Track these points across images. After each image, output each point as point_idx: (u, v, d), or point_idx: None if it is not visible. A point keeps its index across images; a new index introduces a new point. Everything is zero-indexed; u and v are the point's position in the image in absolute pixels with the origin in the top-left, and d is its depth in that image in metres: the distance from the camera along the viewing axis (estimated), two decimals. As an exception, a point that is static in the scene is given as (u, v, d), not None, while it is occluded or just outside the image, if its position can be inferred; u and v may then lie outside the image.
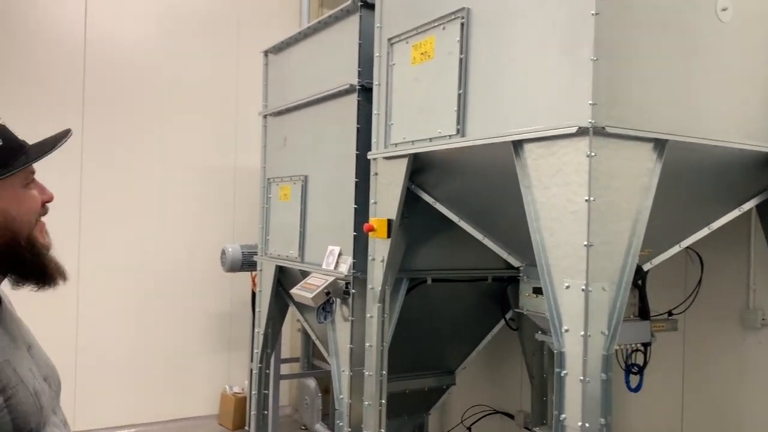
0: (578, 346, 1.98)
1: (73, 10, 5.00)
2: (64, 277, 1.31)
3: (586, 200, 1.96)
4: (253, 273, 4.60)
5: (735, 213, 2.54)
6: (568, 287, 2.02)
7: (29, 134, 1.19)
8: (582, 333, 1.97)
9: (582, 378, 1.95)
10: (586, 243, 1.96)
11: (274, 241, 4.10)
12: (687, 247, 2.51)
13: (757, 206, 2.60)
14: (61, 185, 4.92)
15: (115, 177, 5.12)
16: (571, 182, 2.02)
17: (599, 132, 1.96)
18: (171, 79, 5.32)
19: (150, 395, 5.20)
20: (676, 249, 2.47)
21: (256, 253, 4.38)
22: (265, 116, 4.28)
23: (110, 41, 5.12)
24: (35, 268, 1.26)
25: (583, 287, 1.97)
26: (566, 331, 2.02)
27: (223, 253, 4.75)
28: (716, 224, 2.51)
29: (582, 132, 1.97)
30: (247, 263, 4.65)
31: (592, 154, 1.96)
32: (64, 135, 1.31)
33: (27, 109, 4.84)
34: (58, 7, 4.97)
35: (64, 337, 4.92)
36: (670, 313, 2.96)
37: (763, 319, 2.94)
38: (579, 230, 1.99)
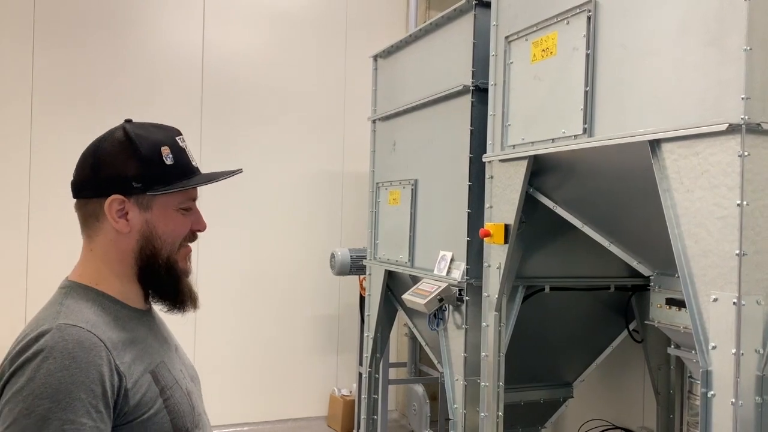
0: (728, 365, 1.79)
1: (192, 27, 5.23)
2: (195, 305, 1.33)
3: (738, 204, 1.78)
4: (362, 277, 4.62)
5: None
6: (715, 300, 1.84)
7: None
8: (733, 351, 1.78)
9: (733, 401, 1.77)
10: (738, 252, 1.78)
11: (383, 245, 4.08)
12: None
13: None
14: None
15: (229, 182, 5.29)
16: (720, 185, 1.83)
17: (753, 129, 1.77)
18: (280, 85, 5.45)
19: (261, 395, 5.34)
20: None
21: (364, 257, 4.39)
22: (373, 121, 4.28)
23: (224, 51, 5.32)
24: (169, 289, 1.28)
25: (735, 300, 1.78)
26: (714, 348, 1.84)
27: (333, 256, 4.80)
28: None
29: (733, 129, 1.79)
30: (355, 267, 4.67)
31: (745, 153, 1.77)
32: (233, 171, 1.36)
33: (149, 117, 5.12)
34: (176, 20, 5.23)
35: (182, 338, 5.13)
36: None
37: None
38: (729, 238, 1.80)
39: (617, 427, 4.00)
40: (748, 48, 1.76)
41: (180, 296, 1.30)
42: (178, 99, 5.20)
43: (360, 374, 4.53)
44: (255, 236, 5.36)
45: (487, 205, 2.96)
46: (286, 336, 5.44)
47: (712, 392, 1.83)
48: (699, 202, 1.90)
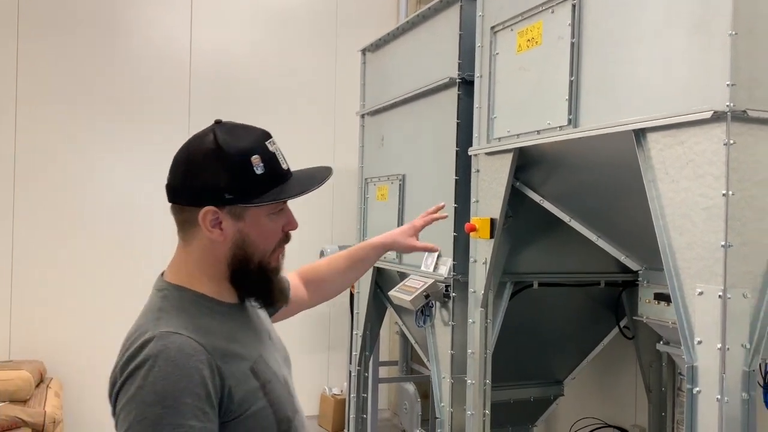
0: (714, 361, 1.74)
1: (179, 19, 5.18)
2: (286, 301, 1.38)
3: (724, 194, 1.72)
4: (352, 274, 4.55)
5: None
6: (701, 293, 1.79)
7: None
8: (719, 346, 1.72)
9: (719, 397, 1.71)
10: (723, 243, 1.72)
11: (372, 242, 4.02)
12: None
13: None
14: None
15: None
16: (705, 174, 1.78)
17: (739, 116, 1.72)
18: (270, 81, 5.40)
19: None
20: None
21: (354, 254, 4.32)
22: (362, 115, 4.23)
23: (213, 46, 5.27)
24: (260, 290, 1.30)
25: (720, 293, 1.72)
26: (699, 342, 1.78)
27: (322, 253, 4.74)
28: None
29: (718, 117, 1.73)
30: (345, 264, 4.60)
31: (731, 142, 1.71)
32: (325, 173, 1.37)
33: (137, 115, 5.07)
34: (164, 17, 5.17)
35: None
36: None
37: None
38: (715, 229, 1.75)
39: (609, 426, 3.95)
40: (734, 33, 1.71)
41: (270, 295, 1.32)
42: (166, 95, 5.14)
43: (350, 373, 4.48)
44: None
45: (473, 200, 2.90)
46: (279, 333, 5.38)
47: (697, 388, 1.77)
48: (684, 193, 1.84)
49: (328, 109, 5.52)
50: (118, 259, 5.01)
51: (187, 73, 5.20)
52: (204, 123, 4.85)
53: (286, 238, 1.35)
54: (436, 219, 2.02)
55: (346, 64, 5.34)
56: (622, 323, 3.43)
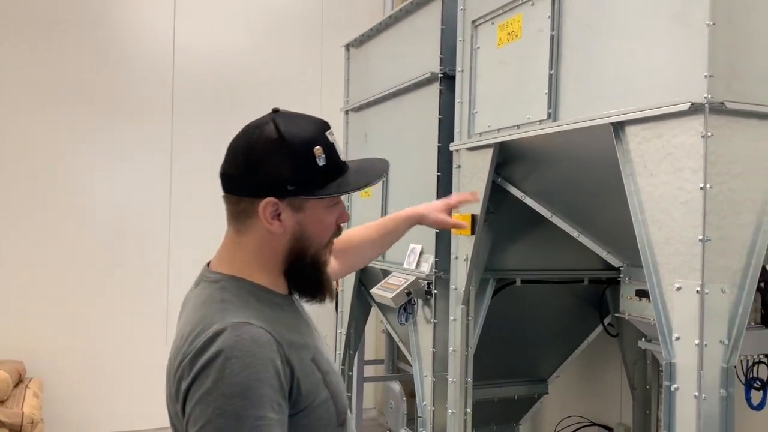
0: (692, 357, 1.71)
1: (162, 16, 5.12)
2: (332, 296, 1.32)
3: (701, 188, 1.69)
4: (336, 272, 4.51)
5: None
6: (679, 289, 1.76)
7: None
8: (696, 342, 1.69)
9: (697, 394, 1.68)
10: (701, 238, 1.69)
11: (355, 239, 3.98)
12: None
13: None
14: (151, 191, 5.06)
15: (203, 181, 5.19)
16: (683, 168, 1.75)
17: (717, 108, 1.69)
18: (255, 78, 5.34)
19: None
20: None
21: (338, 252, 4.28)
22: (346, 112, 4.19)
23: (196, 43, 5.21)
24: (313, 283, 1.27)
25: (698, 289, 1.69)
26: (677, 339, 1.75)
27: (306, 252, 4.69)
28: None
29: (696, 109, 1.70)
30: (329, 262, 4.56)
31: (708, 134, 1.68)
32: (382, 165, 1.33)
33: (119, 115, 5.01)
34: (147, 14, 5.11)
35: (154, 336, 5.03)
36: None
37: None
38: (693, 223, 1.72)
39: (594, 424, 3.92)
40: (712, 23, 1.68)
41: (322, 289, 1.28)
42: (148, 92, 5.08)
43: (335, 372, 4.43)
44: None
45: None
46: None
47: (675, 385, 1.74)
48: (662, 187, 1.81)
49: (314, 105, 5.47)
50: (98, 259, 4.95)
51: (170, 71, 5.14)
52: (187, 122, 4.81)
53: (338, 231, 1.31)
54: (469, 201, 2.03)
55: (332, 61, 5.28)
56: (606, 321, 3.41)
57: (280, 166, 1.16)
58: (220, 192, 1.25)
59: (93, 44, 4.95)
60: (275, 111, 1.23)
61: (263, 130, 1.18)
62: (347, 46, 4.18)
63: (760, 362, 2.33)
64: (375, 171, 1.30)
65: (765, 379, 2.34)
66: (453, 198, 1.96)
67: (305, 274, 1.25)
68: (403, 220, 1.86)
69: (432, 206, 1.90)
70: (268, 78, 5.38)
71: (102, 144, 4.98)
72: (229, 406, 1.03)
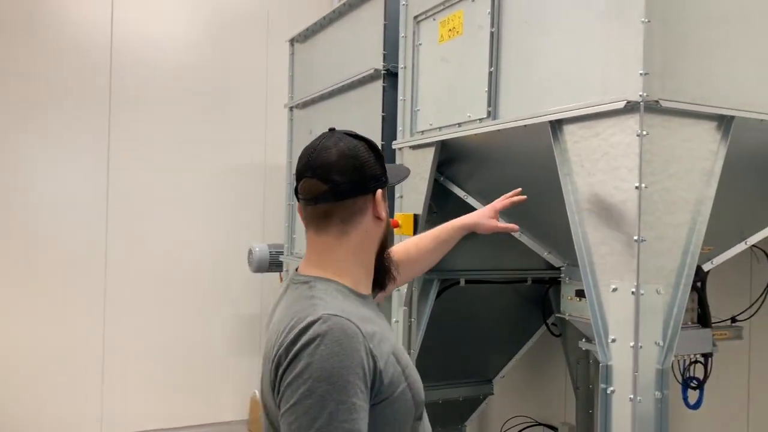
0: (627, 359, 1.69)
1: (99, 6, 4.91)
2: (393, 279, 1.50)
3: (637, 187, 1.67)
4: (282, 273, 4.42)
5: (812, 205, 2.19)
6: (615, 290, 1.73)
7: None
8: (632, 343, 1.67)
9: (632, 396, 1.66)
10: (636, 238, 1.67)
11: (300, 240, 3.89)
12: (752, 245, 2.18)
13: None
14: (87, 186, 4.86)
15: (143, 176, 5.02)
16: (619, 167, 1.73)
17: (652, 107, 1.67)
18: (198, 73, 5.18)
19: (178, 399, 5.07)
20: (741, 247, 2.14)
21: (283, 253, 4.19)
22: (291, 108, 4.09)
23: (135, 36, 5.02)
24: (387, 270, 1.46)
25: (633, 290, 1.67)
26: (613, 341, 1.73)
27: (250, 252, 4.58)
28: (789, 217, 2.17)
29: (631, 107, 1.68)
30: (275, 263, 4.46)
31: (644, 133, 1.66)
32: (405, 170, 1.62)
33: (53, 110, 4.78)
34: (83, 3, 4.89)
35: (91, 339, 4.83)
36: (733, 320, 2.62)
37: None
38: (628, 223, 1.70)
39: (540, 424, 3.93)
40: (647, 20, 1.66)
41: (389, 276, 1.47)
42: (84, 85, 4.86)
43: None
44: (172, 231, 5.08)
45: (397, 195, 2.81)
46: (205, 336, 5.18)
47: (611, 388, 1.72)
48: (599, 186, 1.79)
49: (259, 101, 5.34)
50: (31, 257, 4.72)
51: (107, 64, 4.94)
52: (125, 118, 4.58)
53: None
54: (516, 202, 2.04)
55: (278, 55, 5.14)
56: (550, 320, 3.40)
57: (374, 165, 1.37)
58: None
59: (26, 35, 4.71)
60: (332, 130, 1.42)
61: (351, 141, 1.37)
62: (292, 41, 4.09)
63: (696, 362, 2.35)
64: (401, 171, 1.57)
65: (701, 378, 2.35)
66: (498, 202, 2.02)
67: (387, 262, 1.45)
68: (455, 230, 1.96)
69: (482, 213, 2.00)
70: (211, 72, 5.22)
71: (35, 138, 4.74)
72: (317, 388, 1.14)
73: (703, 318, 2.31)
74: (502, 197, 2.04)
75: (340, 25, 3.50)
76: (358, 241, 1.38)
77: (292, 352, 1.18)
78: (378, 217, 1.39)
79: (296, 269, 1.42)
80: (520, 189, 2.06)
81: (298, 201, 1.39)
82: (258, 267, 4.52)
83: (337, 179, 1.33)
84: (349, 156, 1.34)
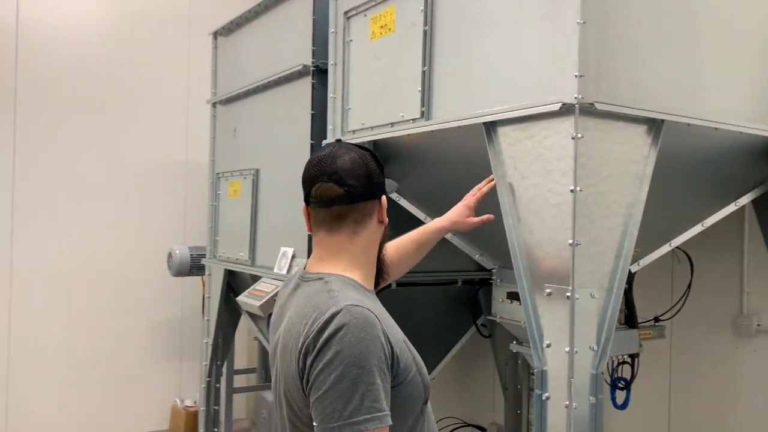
0: (562, 364, 1.67)
1: (4, 2, 4.55)
2: (388, 282, 1.66)
3: (572, 191, 1.66)
4: (204, 277, 4.23)
5: (731, 208, 2.26)
6: (549, 294, 1.71)
7: None
8: (567, 348, 1.66)
9: (567, 403, 1.64)
10: (571, 242, 1.65)
11: (223, 242, 3.73)
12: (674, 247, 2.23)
13: (754, 200, 2.33)
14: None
15: (53, 173, 4.70)
16: (554, 170, 1.71)
17: (587, 110, 1.66)
18: (113, 68, 4.89)
19: (92, 408, 4.79)
20: (665, 248, 2.18)
21: (205, 256, 4.01)
22: (213, 104, 3.92)
23: (45, 28, 4.69)
24: (381, 271, 1.55)
25: (568, 294, 1.66)
26: (548, 346, 1.71)
27: (170, 255, 4.36)
28: (710, 220, 2.23)
29: (566, 110, 1.66)
30: (196, 267, 4.27)
31: (579, 135, 1.65)
32: (393, 184, 1.67)
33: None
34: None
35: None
36: (656, 320, 2.68)
37: (759, 325, 2.68)
38: (563, 226, 1.68)
39: (469, 425, 3.93)
40: (582, 22, 1.64)
41: (383, 275, 1.57)
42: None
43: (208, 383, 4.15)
44: (85, 231, 4.78)
45: (327, 196, 2.71)
46: (121, 341, 4.91)
47: (546, 394, 1.70)
48: (533, 189, 1.77)
49: (179, 97, 5.10)
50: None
51: (12, 53, 4.58)
52: (32, 114, 4.24)
53: None
54: (487, 192, 2.01)
55: (200, 48, 4.93)
56: (479, 322, 3.40)
57: (379, 173, 1.50)
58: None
59: None
60: (338, 140, 1.59)
61: (360, 151, 1.48)
62: (215, 34, 3.92)
63: (624, 362, 2.39)
64: (391, 183, 1.62)
65: (629, 378, 2.39)
66: (471, 199, 2.02)
67: (382, 262, 1.54)
68: (436, 233, 2.03)
69: (458, 213, 2.02)
70: (128, 67, 4.94)
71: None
72: (348, 373, 1.23)
73: (630, 319, 2.35)
74: (473, 191, 2.03)
75: (266, 19, 3.37)
76: (366, 241, 1.48)
77: (321, 341, 1.26)
78: (380, 221, 1.50)
79: (304, 268, 1.53)
80: (491, 177, 2.01)
81: (308, 205, 1.48)
82: (178, 270, 4.31)
83: (353, 183, 1.43)
84: (362, 164, 1.45)
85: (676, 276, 2.86)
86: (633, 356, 2.38)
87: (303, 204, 1.52)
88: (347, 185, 1.42)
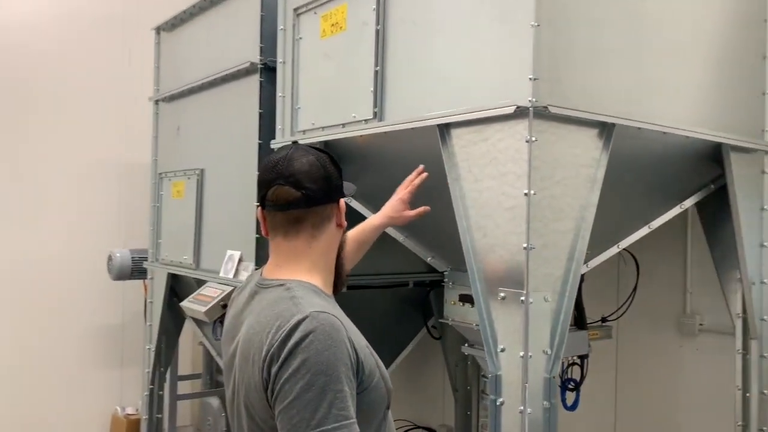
0: (517, 369, 1.66)
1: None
2: (345, 286, 1.60)
3: (526, 194, 1.65)
4: (146, 281, 4.08)
5: (676, 210, 2.31)
6: (503, 298, 1.70)
7: None
8: (522, 353, 1.64)
9: (522, 408, 1.63)
10: (525, 245, 1.64)
11: (166, 245, 3.60)
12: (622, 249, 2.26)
13: (698, 203, 2.39)
14: None
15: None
16: (508, 173, 1.69)
17: (541, 113, 1.65)
18: (49, 63, 4.67)
19: (29, 417, 4.55)
20: (614, 250, 2.21)
21: (147, 259, 3.86)
22: (156, 102, 3.78)
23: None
24: (339, 275, 1.52)
25: (523, 298, 1.65)
26: (502, 350, 1.70)
27: (110, 258, 4.19)
28: (657, 222, 2.27)
29: (521, 113, 1.65)
30: (137, 270, 4.11)
31: (533, 139, 1.64)
32: (351, 187, 1.61)
33: None
34: None
35: None
36: (603, 320, 2.72)
37: (701, 324, 2.75)
38: (517, 230, 1.67)
39: (419, 427, 3.92)
40: (536, 24, 1.64)
41: (341, 280, 1.54)
42: None
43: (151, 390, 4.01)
44: (22, 234, 4.54)
45: (275, 198, 2.64)
46: (60, 348, 4.68)
47: (501, 399, 1.68)
48: (487, 192, 1.75)
49: (118, 93, 4.90)
50: None
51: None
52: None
53: None
54: (419, 183, 2.02)
55: (141, 43, 4.75)
56: (430, 323, 3.39)
57: (337, 176, 1.46)
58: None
59: None
60: (295, 143, 1.49)
61: (318, 154, 1.44)
62: (158, 30, 3.78)
63: (573, 363, 2.41)
64: (348, 186, 1.57)
65: (578, 379, 2.41)
66: (404, 193, 2.01)
67: (341, 266, 1.52)
68: (374, 230, 2.03)
69: (393, 207, 2.02)
70: (64, 62, 4.72)
71: None
72: (315, 381, 1.20)
73: (579, 320, 2.37)
74: (404, 183, 2.02)
75: (212, 14, 3.26)
76: (325, 245, 1.45)
77: (287, 350, 1.23)
78: (339, 225, 1.47)
79: (260, 274, 1.48)
80: (421, 167, 2.00)
81: (264, 209, 1.42)
82: (119, 275, 4.15)
83: (310, 186, 1.39)
84: (319, 166, 1.41)
85: (622, 277, 2.92)
86: (582, 357, 2.40)
87: (258, 207, 1.47)
88: (304, 188, 1.39)
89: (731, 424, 2.45)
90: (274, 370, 1.24)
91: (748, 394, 2.39)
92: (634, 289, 2.75)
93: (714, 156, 2.22)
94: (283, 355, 1.23)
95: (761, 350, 2.36)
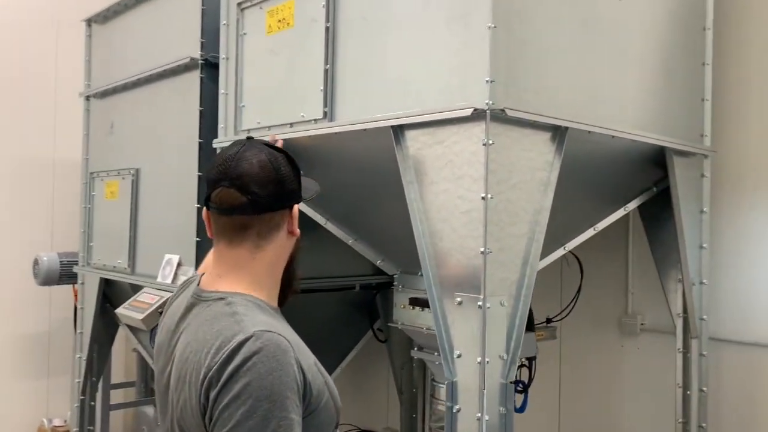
0: (473, 375, 1.64)
1: None
2: (297, 293, 1.47)
3: (483, 198, 1.62)
4: (76, 287, 3.87)
5: (620, 212, 2.36)
6: (460, 303, 1.67)
7: None
8: (479, 359, 1.62)
9: (479, 415, 1.61)
10: (483, 250, 1.62)
11: (98, 248, 3.42)
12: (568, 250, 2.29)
13: (640, 206, 2.44)
14: None
15: None
16: (464, 176, 1.67)
17: (498, 116, 1.63)
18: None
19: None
20: (560, 252, 2.23)
21: (77, 263, 3.66)
22: (87, 97, 3.59)
23: None
24: (290, 284, 1.41)
25: (480, 303, 1.62)
26: (459, 356, 1.67)
27: (36, 263, 3.95)
28: (601, 225, 2.31)
29: (478, 115, 1.62)
30: (66, 275, 3.89)
31: (490, 142, 1.62)
32: (316, 186, 1.55)
33: None
34: None
35: None
36: (548, 321, 2.75)
37: (642, 324, 2.82)
38: (474, 234, 1.64)
39: (363, 430, 3.88)
40: (493, 26, 1.62)
41: (293, 287, 1.43)
42: None
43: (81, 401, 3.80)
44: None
45: (218, 199, 2.54)
46: (-21, 359, 4.40)
47: (457, 406, 1.66)
48: (443, 195, 1.72)
49: (46, 88, 4.64)
50: None
51: None
52: None
53: None
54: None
55: (71, 35, 4.51)
56: (376, 326, 3.35)
57: (293, 179, 1.33)
58: None
59: None
60: (249, 138, 1.37)
61: (272, 154, 1.31)
62: (89, 21, 3.58)
63: (522, 365, 2.41)
64: (311, 185, 1.49)
65: (526, 381, 2.42)
66: None
67: (292, 276, 1.41)
68: None
69: None
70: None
71: None
72: (258, 408, 1.11)
73: (528, 322, 2.38)
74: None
75: (149, 7, 3.11)
76: (272, 256, 1.33)
77: (227, 373, 1.13)
78: (291, 233, 1.35)
79: (197, 284, 1.35)
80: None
81: (209, 210, 1.31)
82: (46, 280, 3.91)
83: (258, 192, 1.27)
84: (271, 168, 1.29)
85: (565, 278, 2.96)
86: (531, 359, 2.41)
87: (203, 207, 1.36)
88: (251, 193, 1.26)
89: (672, 421, 2.52)
90: (212, 394, 1.14)
91: (688, 392, 2.46)
92: (578, 290, 2.79)
93: (657, 159, 2.27)
94: (223, 379, 1.13)
95: (701, 349, 2.44)
